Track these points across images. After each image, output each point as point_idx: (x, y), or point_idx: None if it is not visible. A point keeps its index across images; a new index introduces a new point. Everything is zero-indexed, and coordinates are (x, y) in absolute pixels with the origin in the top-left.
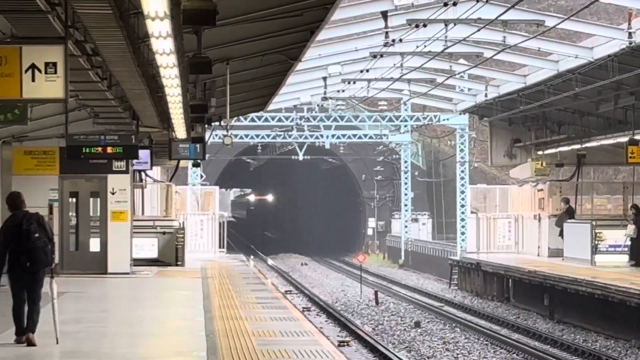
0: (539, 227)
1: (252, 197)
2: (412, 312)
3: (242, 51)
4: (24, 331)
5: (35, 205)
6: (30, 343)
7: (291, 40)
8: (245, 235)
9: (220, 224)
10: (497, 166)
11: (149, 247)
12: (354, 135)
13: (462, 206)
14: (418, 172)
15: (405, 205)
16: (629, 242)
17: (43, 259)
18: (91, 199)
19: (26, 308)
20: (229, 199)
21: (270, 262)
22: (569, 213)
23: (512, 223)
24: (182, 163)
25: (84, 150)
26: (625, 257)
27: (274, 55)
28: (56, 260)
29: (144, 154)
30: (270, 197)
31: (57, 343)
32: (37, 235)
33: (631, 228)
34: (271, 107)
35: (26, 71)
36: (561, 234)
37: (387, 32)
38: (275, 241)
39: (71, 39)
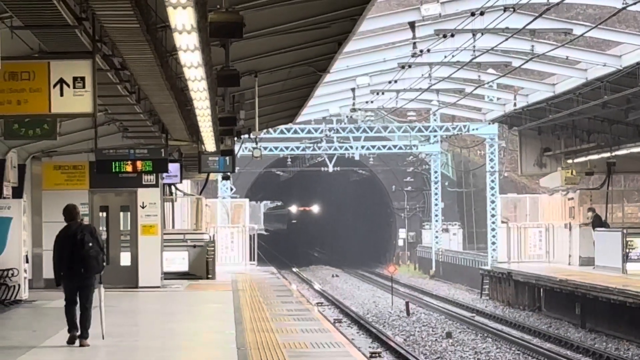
0: (570, 235)
1: (293, 209)
2: (444, 322)
3: (270, 63)
4: (76, 329)
5: (65, 221)
6: (83, 344)
7: (319, 52)
8: (282, 250)
9: (250, 236)
10: (527, 175)
11: (179, 261)
12: (384, 146)
13: (493, 216)
14: (448, 182)
15: (436, 215)
16: None
17: (95, 267)
18: (121, 213)
19: (78, 313)
20: (260, 212)
21: (301, 274)
22: (598, 221)
23: (542, 232)
24: (212, 176)
25: (113, 165)
26: None
27: (302, 67)
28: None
29: (174, 168)
30: (316, 209)
31: (103, 339)
32: (90, 244)
33: None
34: (300, 119)
35: (54, 86)
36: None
37: (414, 43)
38: (322, 260)
39: (99, 53)
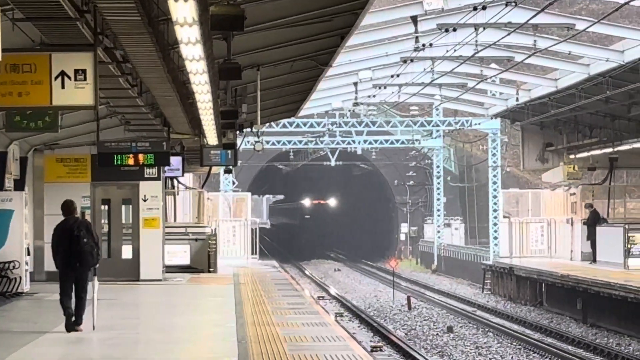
0: (572, 231)
1: (307, 202)
2: (445, 317)
3: (272, 57)
4: (71, 316)
5: None
6: (76, 331)
7: (321, 45)
8: (294, 251)
9: (252, 230)
10: (529, 170)
11: (181, 254)
12: (386, 141)
13: (495, 211)
14: (450, 177)
15: (438, 210)
16: None
17: (90, 261)
18: (123, 206)
19: (73, 302)
20: (263, 205)
21: (305, 270)
22: (595, 217)
23: (544, 227)
24: (214, 169)
25: (115, 158)
26: None
27: (305, 61)
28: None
29: (176, 161)
30: (333, 202)
31: (93, 329)
32: (85, 240)
33: None
34: (302, 113)
35: (56, 78)
36: (589, 239)
37: (417, 37)
38: (325, 255)
39: (100, 45)
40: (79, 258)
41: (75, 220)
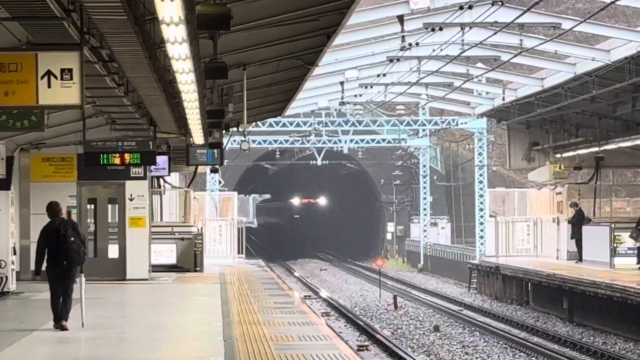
0: (558, 230)
1: (296, 201)
2: (431, 316)
3: (258, 56)
4: (60, 318)
5: None
6: (64, 329)
7: (308, 45)
8: (281, 249)
9: (239, 229)
10: (515, 169)
11: (167, 253)
12: (372, 140)
13: (481, 210)
14: (437, 177)
15: (424, 209)
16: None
17: (77, 259)
18: (109, 206)
19: (61, 300)
20: (249, 205)
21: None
22: (580, 216)
23: (530, 226)
24: (200, 169)
25: (101, 157)
26: None
27: (291, 60)
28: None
29: (162, 160)
30: (323, 201)
31: (83, 327)
32: (72, 239)
33: None
34: (289, 112)
35: (42, 78)
36: (573, 237)
37: (403, 36)
38: (312, 254)
39: (87, 45)
40: (66, 256)
41: (62, 220)
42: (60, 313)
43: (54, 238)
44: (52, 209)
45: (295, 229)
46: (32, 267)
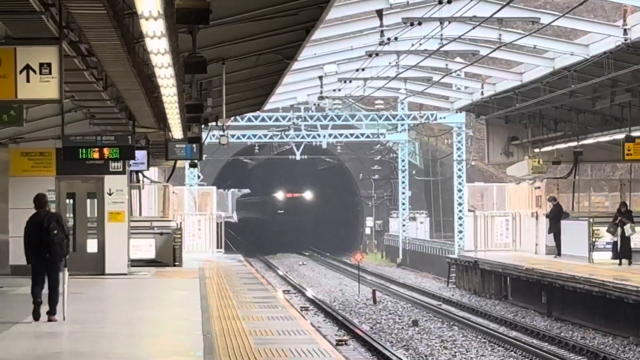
0: (537, 224)
1: (280, 196)
2: (410, 310)
3: (237, 51)
4: (39, 305)
5: (31, 207)
6: (51, 320)
7: (287, 39)
8: (263, 246)
9: (217, 224)
10: (494, 164)
11: (146, 248)
12: (351, 135)
13: (460, 204)
14: (415, 171)
15: (403, 204)
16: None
17: (60, 252)
18: (88, 200)
19: (46, 292)
20: (228, 199)
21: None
22: (558, 211)
23: (509, 221)
24: (179, 163)
25: (80, 152)
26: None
27: (270, 54)
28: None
29: (141, 155)
30: (309, 195)
31: (64, 320)
32: (55, 232)
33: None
34: (268, 107)
35: (21, 72)
36: (551, 232)
37: (382, 31)
38: (290, 248)
39: (65, 39)
40: (49, 249)
41: (47, 213)
42: (49, 306)
43: (37, 230)
44: (39, 200)
45: (280, 224)
46: (11, 261)
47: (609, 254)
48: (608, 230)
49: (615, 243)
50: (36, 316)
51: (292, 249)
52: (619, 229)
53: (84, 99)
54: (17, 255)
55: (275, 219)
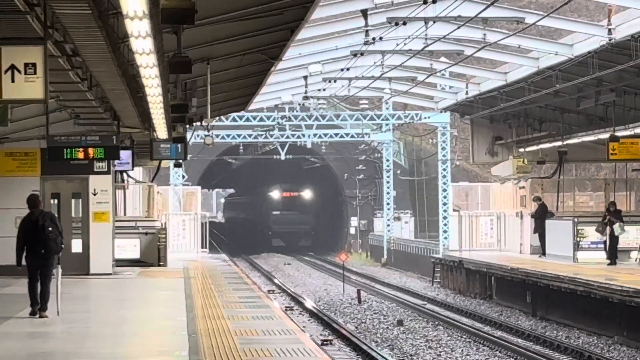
0: (521, 224)
1: (276, 195)
2: (395, 310)
3: (222, 51)
4: (37, 303)
5: (16, 207)
6: (42, 317)
7: (271, 39)
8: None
9: (202, 224)
10: (478, 164)
11: (131, 248)
12: (336, 134)
13: (444, 204)
14: (400, 171)
15: (388, 203)
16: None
17: (54, 248)
18: (73, 200)
19: (39, 288)
20: (213, 199)
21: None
22: (543, 210)
23: (494, 221)
24: (164, 163)
25: (65, 152)
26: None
27: (255, 54)
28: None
29: (126, 155)
30: (308, 195)
31: (58, 315)
32: (50, 229)
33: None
34: (252, 106)
35: (5, 72)
36: (536, 231)
37: (367, 31)
38: (278, 249)
39: (50, 39)
40: (43, 245)
41: (41, 212)
42: (39, 303)
43: (32, 228)
44: (32, 201)
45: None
46: None
47: (594, 254)
48: (597, 230)
49: (605, 242)
50: (33, 314)
51: (274, 249)
52: (608, 228)
53: (69, 99)
54: (4, 254)
55: (269, 221)
